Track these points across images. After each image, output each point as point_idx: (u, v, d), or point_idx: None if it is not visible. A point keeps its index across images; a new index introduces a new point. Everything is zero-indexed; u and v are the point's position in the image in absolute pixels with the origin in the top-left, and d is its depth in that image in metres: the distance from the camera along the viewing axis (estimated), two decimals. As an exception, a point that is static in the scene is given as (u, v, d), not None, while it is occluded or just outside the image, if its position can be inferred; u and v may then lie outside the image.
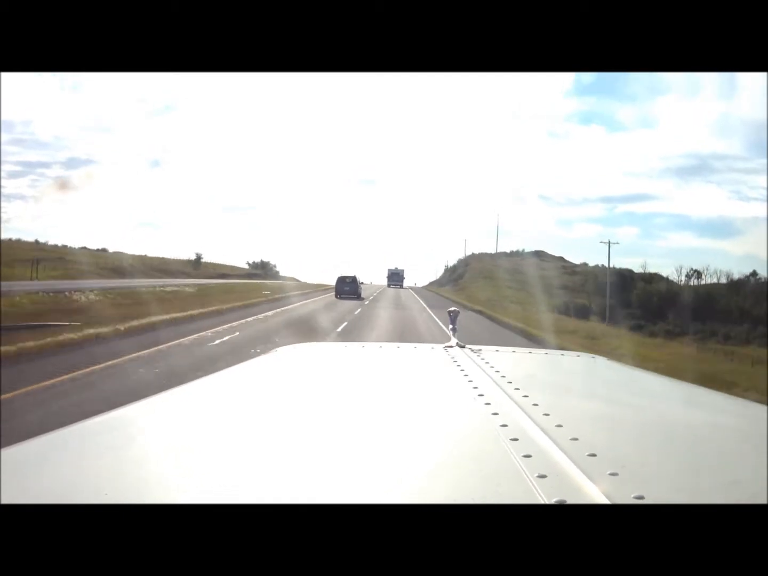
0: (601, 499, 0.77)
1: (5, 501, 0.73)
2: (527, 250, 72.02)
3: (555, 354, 2.38)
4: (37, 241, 50.05)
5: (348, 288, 36.71)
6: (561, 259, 71.45)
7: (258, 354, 2.46)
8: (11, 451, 0.95)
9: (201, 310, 19.62)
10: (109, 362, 10.10)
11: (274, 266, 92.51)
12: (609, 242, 43.88)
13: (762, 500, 0.79)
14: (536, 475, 0.84)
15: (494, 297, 44.47)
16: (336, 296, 35.75)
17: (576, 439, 0.99)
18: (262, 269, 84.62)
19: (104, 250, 54.88)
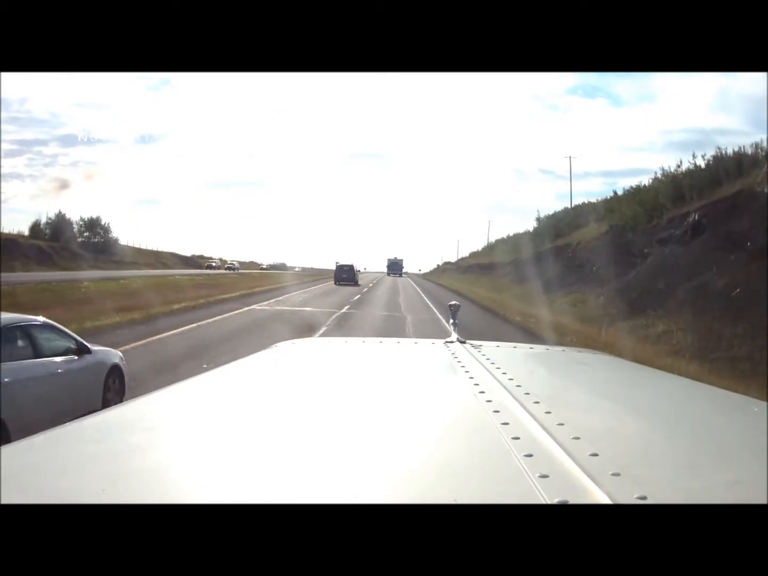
0: (604, 500, 0.77)
1: (5, 501, 0.72)
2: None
3: (557, 350, 2.38)
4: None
5: (345, 275, 40.02)
6: None
7: None
8: (9, 450, 0.95)
9: None
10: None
11: (105, 226, 47.45)
12: None
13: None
14: (538, 474, 0.83)
15: None
16: (335, 283, 38.61)
17: (578, 438, 0.98)
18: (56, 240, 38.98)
19: None
